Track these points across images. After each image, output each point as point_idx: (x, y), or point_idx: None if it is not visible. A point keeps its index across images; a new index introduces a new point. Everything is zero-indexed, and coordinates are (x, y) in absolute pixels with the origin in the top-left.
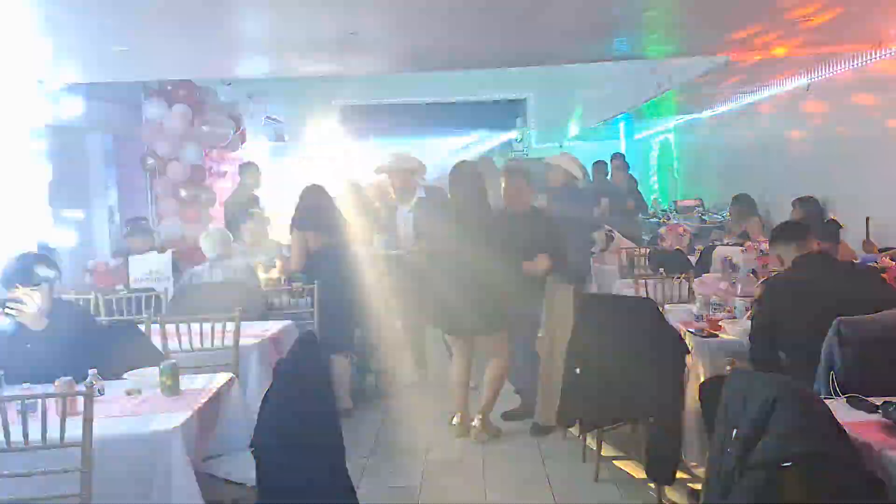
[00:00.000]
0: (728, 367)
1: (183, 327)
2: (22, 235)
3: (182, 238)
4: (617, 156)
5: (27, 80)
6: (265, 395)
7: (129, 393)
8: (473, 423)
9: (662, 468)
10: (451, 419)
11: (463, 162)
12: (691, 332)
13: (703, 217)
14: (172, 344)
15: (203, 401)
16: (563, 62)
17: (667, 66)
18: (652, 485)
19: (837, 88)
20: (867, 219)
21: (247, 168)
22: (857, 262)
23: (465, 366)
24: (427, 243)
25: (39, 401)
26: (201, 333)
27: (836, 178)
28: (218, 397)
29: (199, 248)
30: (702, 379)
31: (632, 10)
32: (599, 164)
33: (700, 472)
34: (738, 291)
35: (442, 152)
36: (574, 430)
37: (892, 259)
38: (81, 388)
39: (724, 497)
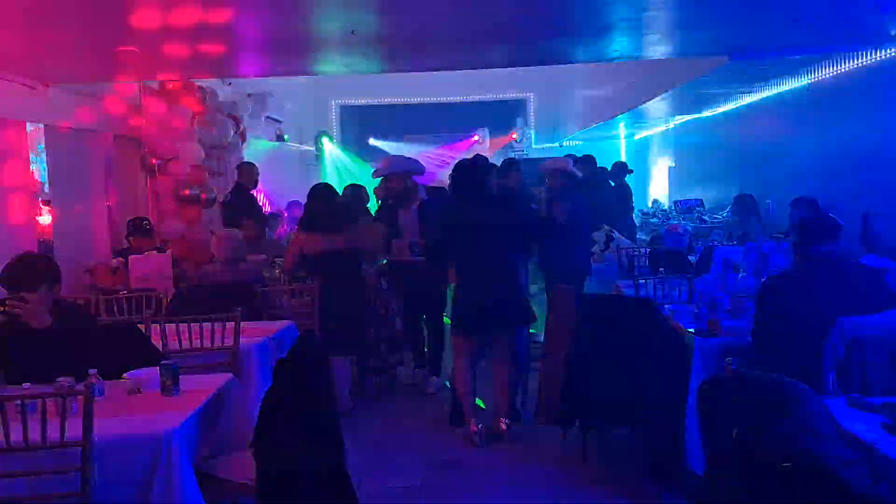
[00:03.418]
0: (728, 367)
1: (183, 327)
2: (22, 235)
3: (182, 238)
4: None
5: (29, 80)
6: (265, 395)
7: (129, 393)
8: (503, 429)
9: (662, 468)
10: (472, 428)
11: (465, 160)
12: (691, 332)
13: (703, 217)
14: (172, 344)
15: (203, 401)
16: (563, 62)
17: (667, 66)
18: (652, 485)
19: (837, 88)
20: (865, 216)
21: (245, 168)
22: (858, 261)
23: (471, 371)
24: (437, 245)
25: (39, 401)
26: (201, 333)
27: (836, 178)
28: (218, 397)
29: (199, 248)
30: (702, 379)
31: (632, 10)
32: (589, 159)
33: (700, 472)
34: (738, 291)
35: (441, 153)
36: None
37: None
38: (81, 388)
39: (724, 497)
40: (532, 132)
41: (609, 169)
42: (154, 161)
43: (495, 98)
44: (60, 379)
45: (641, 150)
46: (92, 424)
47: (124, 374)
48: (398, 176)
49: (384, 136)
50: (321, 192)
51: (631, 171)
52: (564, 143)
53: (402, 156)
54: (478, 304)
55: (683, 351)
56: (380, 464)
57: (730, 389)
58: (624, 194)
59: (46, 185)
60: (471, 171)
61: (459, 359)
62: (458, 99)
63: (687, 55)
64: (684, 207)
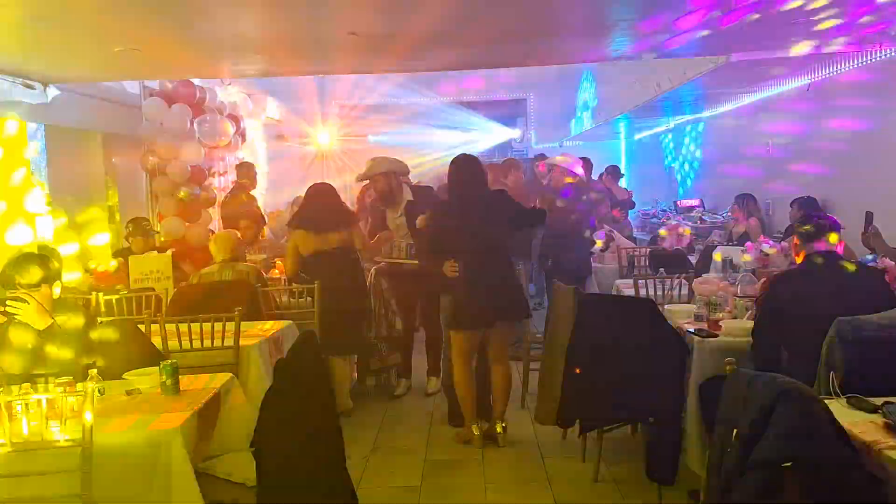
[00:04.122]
0: (728, 367)
1: (183, 327)
2: (22, 236)
3: (182, 238)
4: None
5: (28, 80)
6: (265, 394)
7: (129, 393)
8: (499, 432)
9: (662, 468)
10: (474, 431)
11: (461, 154)
12: (691, 332)
13: (703, 217)
14: (172, 344)
15: (203, 401)
16: (563, 62)
17: (667, 66)
18: (652, 485)
19: (837, 88)
20: (868, 213)
21: (244, 168)
22: (859, 261)
23: (472, 373)
24: (427, 243)
25: (39, 401)
26: (201, 333)
27: (836, 178)
28: (218, 397)
29: (198, 248)
30: (702, 379)
31: (633, 10)
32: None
33: (700, 472)
34: (738, 291)
35: (441, 152)
36: (574, 430)
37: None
38: (81, 388)
39: (724, 497)
40: (532, 132)
41: (603, 173)
42: (154, 161)
43: (495, 98)
44: (60, 379)
45: (642, 150)
46: (92, 424)
47: (124, 374)
48: (384, 177)
49: (384, 136)
50: (319, 190)
51: (622, 175)
52: (565, 143)
53: (386, 157)
54: (477, 297)
55: (683, 351)
56: (380, 464)
57: (730, 389)
58: (616, 197)
59: (46, 185)
60: (467, 167)
61: (459, 359)
62: (457, 99)
63: (687, 55)
64: (684, 207)
